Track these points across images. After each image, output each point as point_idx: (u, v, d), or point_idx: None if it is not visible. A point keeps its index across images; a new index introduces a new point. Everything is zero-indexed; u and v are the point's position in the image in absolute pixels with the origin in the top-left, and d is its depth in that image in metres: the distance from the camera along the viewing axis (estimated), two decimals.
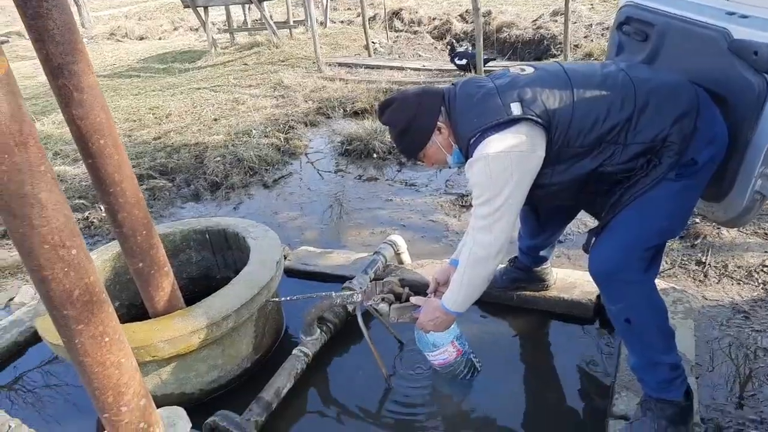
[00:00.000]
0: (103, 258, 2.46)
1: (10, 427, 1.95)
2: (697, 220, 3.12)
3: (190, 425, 1.74)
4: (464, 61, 6.98)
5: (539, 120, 1.55)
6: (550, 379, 2.13)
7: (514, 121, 1.56)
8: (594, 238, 1.69)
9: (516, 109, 1.56)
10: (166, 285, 2.04)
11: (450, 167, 1.92)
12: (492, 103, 1.60)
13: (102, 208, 1.80)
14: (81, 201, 4.30)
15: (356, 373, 2.24)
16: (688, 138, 1.55)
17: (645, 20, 1.85)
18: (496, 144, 1.56)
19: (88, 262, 1.25)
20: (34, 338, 2.63)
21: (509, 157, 1.55)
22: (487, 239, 1.65)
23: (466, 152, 1.67)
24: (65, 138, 5.83)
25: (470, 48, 7.77)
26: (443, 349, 2.03)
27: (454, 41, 8.10)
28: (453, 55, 7.19)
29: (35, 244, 1.15)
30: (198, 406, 2.08)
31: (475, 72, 6.58)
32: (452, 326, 1.99)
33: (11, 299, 3.19)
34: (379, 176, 4.46)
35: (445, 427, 1.96)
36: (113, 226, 1.86)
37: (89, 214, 4.12)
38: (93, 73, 1.63)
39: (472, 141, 1.61)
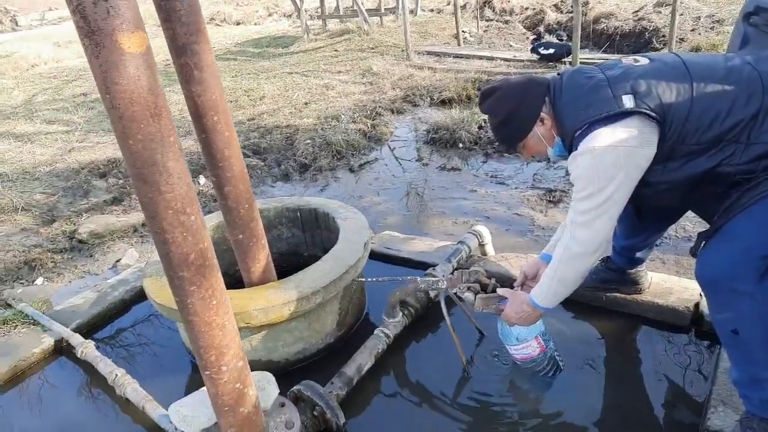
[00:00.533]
0: None
1: (116, 375, 2.14)
2: None
3: (278, 391, 1.84)
4: (551, 50, 6.75)
5: (653, 114, 1.48)
6: (636, 388, 2.05)
7: (625, 114, 1.50)
8: (704, 242, 1.59)
9: (628, 101, 1.49)
10: (262, 257, 2.15)
11: (550, 160, 1.87)
12: (602, 95, 1.54)
13: (210, 181, 1.92)
14: None
15: (433, 359, 2.26)
16: None
17: None
18: (605, 137, 1.50)
19: (204, 229, 1.35)
20: (138, 297, 2.86)
21: (617, 152, 1.49)
22: (585, 235, 1.60)
23: (570, 145, 1.62)
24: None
25: (557, 39, 7.50)
26: (526, 344, 2.00)
27: (542, 30, 7.85)
28: (537, 44, 6.98)
29: (160, 209, 1.25)
30: (282, 375, 2.18)
31: (570, 64, 6.34)
32: (538, 322, 1.96)
33: (118, 260, 3.49)
34: (463, 166, 4.43)
35: (518, 422, 1.94)
36: (219, 198, 1.98)
37: None
38: (212, 54, 1.73)
39: (578, 133, 1.56)
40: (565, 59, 6.73)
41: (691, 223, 3.13)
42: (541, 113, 1.69)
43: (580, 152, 1.55)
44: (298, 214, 2.77)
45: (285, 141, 5.17)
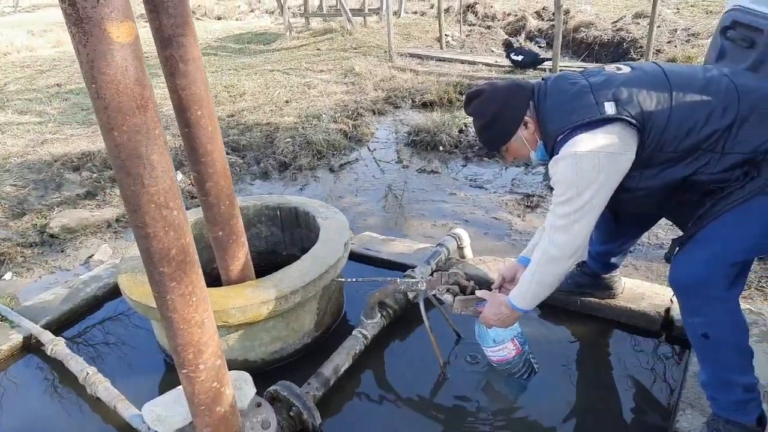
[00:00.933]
0: None
1: (87, 374, 2.10)
2: None
3: (255, 391, 1.82)
4: (520, 57, 6.86)
5: (633, 121, 1.52)
6: (608, 390, 2.09)
7: (606, 121, 1.53)
8: (678, 248, 1.64)
9: (610, 108, 1.53)
10: (241, 255, 2.13)
11: (532, 163, 1.90)
12: (584, 101, 1.57)
13: (191, 177, 1.90)
14: None
15: (411, 361, 2.27)
16: None
17: (754, 25, 1.76)
18: (586, 143, 1.53)
19: (186, 224, 1.33)
20: (111, 294, 2.81)
21: (598, 157, 1.52)
22: (563, 239, 1.63)
23: (551, 149, 1.65)
24: None
25: (537, 46, 7.61)
26: (503, 346, 2.02)
27: (510, 39, 7.97)
28: (509, 50, 7.08)
29: (143, 203, 1.23)
30: (258, 374, 2.17)
31: (549, 71, 6.43)
32: (514, 324, 1.98)
33: (90, 256, 3.42)
34: (443, 169, 4.46)
35: (493, 423, 1.96)
36: (200, 194, 1.96)
37: None
38: (198, 47, 1.71)
39: (560, 138, 1.59)
40: (540, 66, 6.84)
41: (663, 231, 3.21)
42: (525, 117, 1.72)
43: (561, 156, 1.58)
44: (278, 212, 2.76)
45: (265, 139, 5.14)
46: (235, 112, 5.98)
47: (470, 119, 5.11)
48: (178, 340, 1.44)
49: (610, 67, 1.70)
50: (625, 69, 1.66)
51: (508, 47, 7.27)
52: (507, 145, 1.78)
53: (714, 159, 1.53)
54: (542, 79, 1.78)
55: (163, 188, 1.24)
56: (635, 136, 1.55)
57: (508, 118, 1.73)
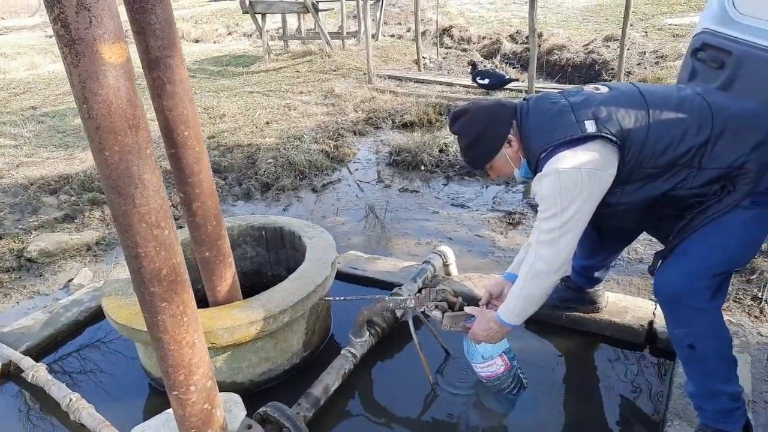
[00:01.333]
0: None
1: (71, 400, 2.04)
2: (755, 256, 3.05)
3: (245, 413, 1.80)
4: (486, 81, 6.98)
5: (613, 138, 1.57)
6: (596, 403, 2.11)
7: (587, 138, 1.58)
8: (660, 261, 1.68)
9: (590, 126, 1.58)
10: (228, 275, 2.11)
11: (515, 181, 1.94)
12: (566, 120, 1.62)
13: (178, 197, 1.89)
14: None
15: (400, 379, 2.27)
16: (766, 166, 1.54)
17: (722, 47, 1.85)
18: (568, 160, 1.58)
19: (176, 243, 1.33)
20: (93, 318, 2.75)
21: (580, 174, 1.56)
22: (549, 253, 1.67)
23: (534, 167, 1.69)
24: None
25: (493, 68, 7.76)
26: (492, 362, 2.03)
27: (476, 61, 8.10)
28: (475, 74, 7.19)
29: (134, 222, 1.22)
30: (246, 396, 2.13)
31: (526, 92, 6.57)
32: (503, 340, 2.00)
33: (70, 280, 3.35)
34: (425, 188, 4.50)
35: None
36: (186, 215, 1.95)
37: None
38: (185, 68, 1.72)
39: (543, 155, 1.64)
40: (509, 87, 6.96)
41: (641, 246, 3.28)
42: (509, 135, 1.76)
43: (545, 173, 1.62)
44: (263, 232, 2.75)
45: (246, 160, 5.13)
46: (216, 134, 5.96)
47: (451, 139, 5.20)
48: (169, 361, 1.42)
49: (589, 88, 1.76)
50: (603, 89, 1.72)
51: (473, 70, 7.36)
52: (491, 162, 1.82)
53: (692, 174, 1.59)
54: (524, 99, 1.83)
55: (155, 208, 1.24)
56: (616, 153, 1.60)
57: (493, 136, 1.77)
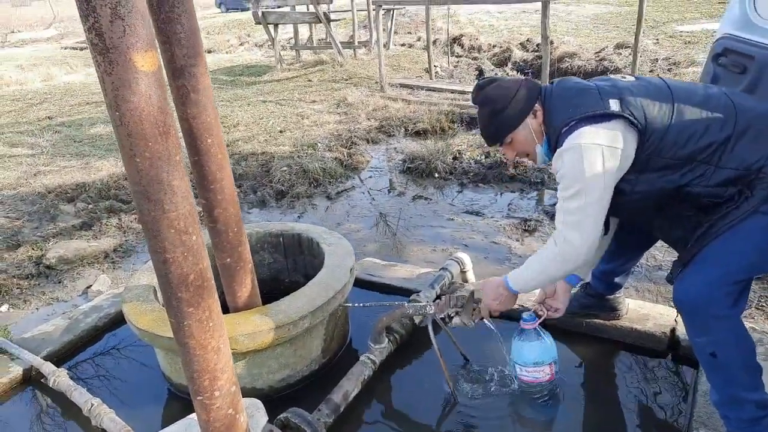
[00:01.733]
0: None
1: (92, 405, 2.06)
2: None
3: (267, 418, 1.80)
4: None
5: (635, 121, 1.57)
6: (618, 411, 2.09)
7: (610, 116, 1.58)
8: (680, 270, 1.67)
9: (614, 105, 1.58)
10: (248, 282, 2.12)
11: (535, 163, 1.89)
12: (590, 96, 1.63)
13: (199, 204, 1.91)
14: None
15: (419, 385, 2.26)
16: None
17: (744, 53, 1.84)
18: (590, 135, 1.58)
19: (203, 249, 1.34)
20: (112, 324, 2.77)
21: (601, 150, 1.56)
22: (576, 237, 1.65)
23: (555, 143, 1.68)
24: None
25: (499, 76, 7.80)
26: (541, 369, 2.03)
27: (483, 68, 8.14)
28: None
29: (163, 228, 1.24)
30: (266, 402, 2.13)
31: None
32: (554, 349, 2.03)
33: (89, 287, 3.38)
34: (439, 196, 4.50)
35: None
36: (208, 221, 1.96)
37: None
38: (209, 77, 1.75)
39: (564, 130, 1.63)
40: None
41: (660, 253, 3.25)
42: (535, 106, 1.75)
43: (566, 148, 1.62)
44: (281, 239, 2.76)
45: (261, 168, 5.16)
46: (230, 142, 6.01)
47: (464, 146, 5.18)
48: (195, 366, 1.43)
49: (615, 76, 1.76)
50: (630, 78, 1.72)
51: (479, 76, 7.41)
52: (513, 134, 1.79)
53: (709, 171, 1.58)
54: (550, 82, 1.84)
55: (183, 213, 1.25)
56: (636, 137, 1.60)
57: (518, 104, 1.75)
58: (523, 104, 1.76)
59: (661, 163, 1.62)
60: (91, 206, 4.53)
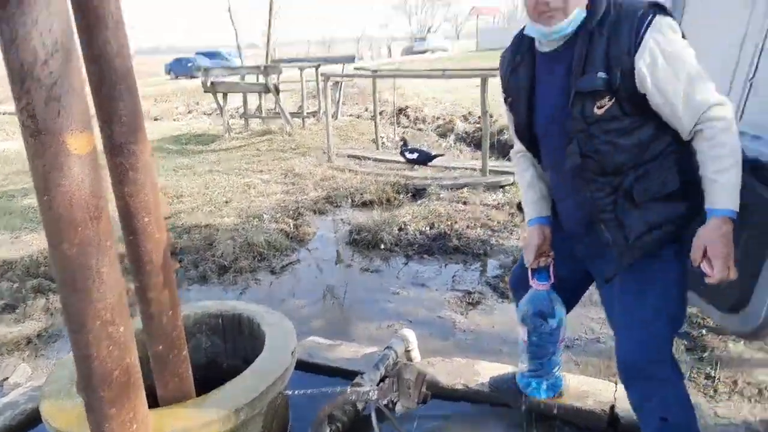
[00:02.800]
0: None
1: None
2: (704, 332, 3.15)
3: None
4: (415, 155, 7.40)
5: None
6: None
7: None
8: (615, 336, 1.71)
9: None
10: (182, 371, 2.01)
11: (562, 19, 1.56)
12: None
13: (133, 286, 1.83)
14: None
15: None
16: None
17: None
18: (675, 25, 1.52)
19: (131, 341, 1.27)
20: (28, 422, 2.52)
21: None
22: (726, 109, 1.50)
23: (593, 26, 1.54)
24: None
25: (421, 146, 8.30)
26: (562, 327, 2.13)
27: (406, 138, 8.67)
28: (404, 149, 7.61)
29: (88, 320, 1.17)
30: None
31: (480, 171, 6.83)
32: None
33: (5, 379, 3.10)
34: (385, 268, 4.51)
35: None
36: (141, 305, 1.87)
37: None
38: (149, 152, 1.72)
39: (642, 13, 1.49)
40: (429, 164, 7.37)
41: (598, 325, 3.34)
42: None
43: (667, 24, 1.50)
44: (220, 320, 2.66)
45: (204, 241, 5.04)
46: (172, 215, 5.87)
47: (409, 217, 5.25)
48: None
49: None
50: None
51: (404, 145, 7.76)
52: None
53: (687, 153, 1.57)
54: None
55: (111, 303, 1.20)
56: None
57: None
58: None
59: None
60: (16, 285, 4.24)
